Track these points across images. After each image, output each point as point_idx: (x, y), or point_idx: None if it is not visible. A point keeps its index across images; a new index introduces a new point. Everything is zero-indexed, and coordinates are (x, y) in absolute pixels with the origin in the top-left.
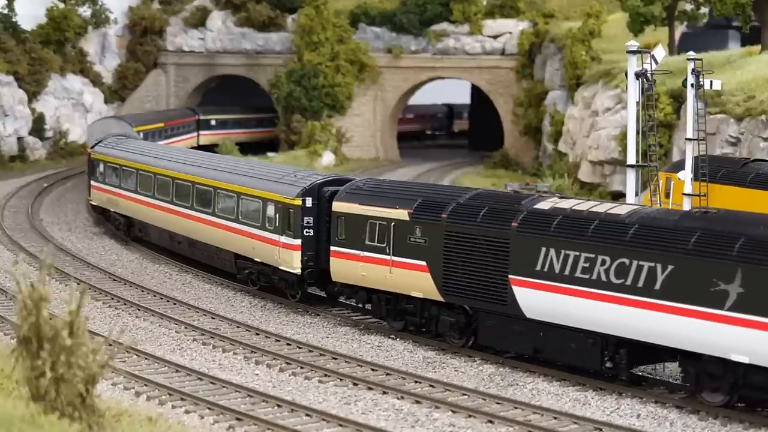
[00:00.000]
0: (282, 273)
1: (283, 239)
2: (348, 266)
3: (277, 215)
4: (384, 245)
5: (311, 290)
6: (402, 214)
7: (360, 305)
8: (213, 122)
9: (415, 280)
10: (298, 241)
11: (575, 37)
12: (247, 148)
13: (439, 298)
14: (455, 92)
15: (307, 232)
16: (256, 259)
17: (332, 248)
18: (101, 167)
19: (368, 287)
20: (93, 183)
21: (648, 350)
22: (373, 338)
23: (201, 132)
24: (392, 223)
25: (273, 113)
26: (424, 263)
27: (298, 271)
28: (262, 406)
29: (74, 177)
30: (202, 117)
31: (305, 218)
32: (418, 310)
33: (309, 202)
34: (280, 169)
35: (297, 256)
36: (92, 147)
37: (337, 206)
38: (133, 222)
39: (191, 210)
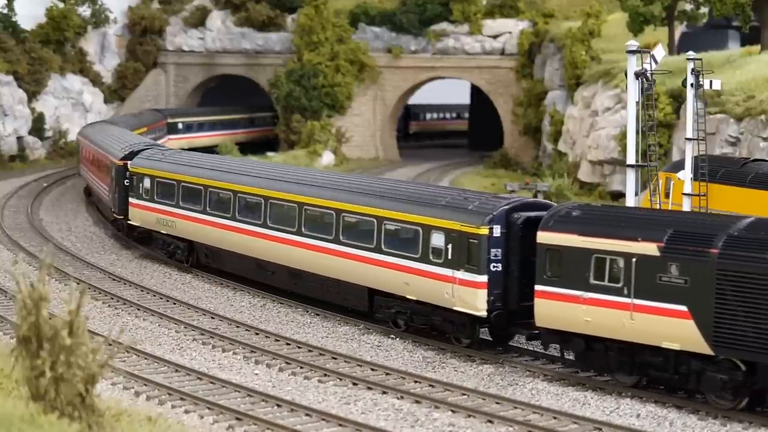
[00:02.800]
0: (451, 314)
1: (461, 275)
2: (563, 310)
3: (451, 246)
4: (620, 285)
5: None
6: (647, 247)
7: (568, 356)
8: (180, 125)
9: (669, 329)
10: (484, 278)
11: (575, 36)
12: (246, 148)
13: (706, 350)
14: (455, 92)
15: (494, 266)
16: (408, 297)
17: (539, 287)
18: (146, 183)
19: (592, 335)
20: (134, 201)
21: None
22: (372, 338)
23: (170, 136)
24: (633, 259)
25: (254, 113)
26: (684, 308)
27: (483, 312)
28: (261, 405)
29: (74, 177)
30: (170, 120)
31: (492, 250)
32: (669, 364)
33: (497, 231)
34: (439, 191)
35: (482, 295)
36: (125, 159)
37: (546, 237)
38: (197, 247)
39: (297, 236)
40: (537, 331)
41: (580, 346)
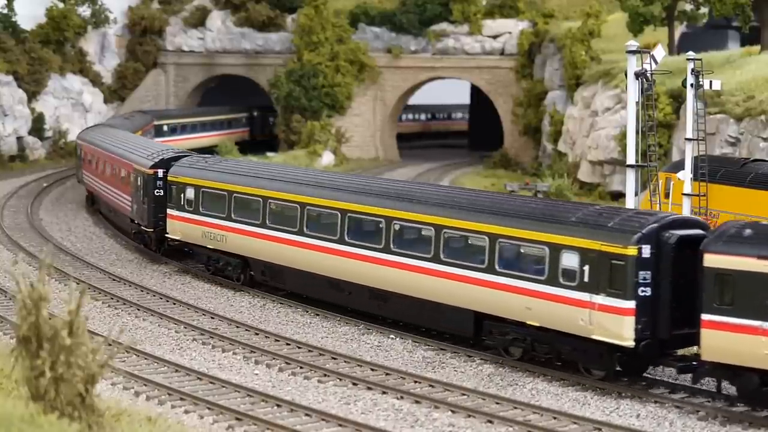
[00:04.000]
0: (584, 343)
1: (602, 300)
2: (737, 342)
3: (588, 268)
4: None
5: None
6: None
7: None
8: (165, 128)
9: None
10: (631, 304)
11: (575, 37)
12: (246, 148)
13: None
14: (454, 92)
15: (642, 291)
16: (528, 323)
17: (707, 317)
18: (189, 193)
19: None
20: (173, 213)
21: None
22: (372, 338)
23: (156, 139)
24: None
25: (229, 115)
26: None
27: (630, 342)
28: (261, 405)
29: (73, 177)
30: (156, 122)
31: (641, 273)
32: None
33: (647, 251)
34: (565, 206)
35: (629, 322)
36: (156, 167)
37: (715, 260)
38: (253, 263)
39: (384, 253)
40: (692, 364)
41: (753, 382)
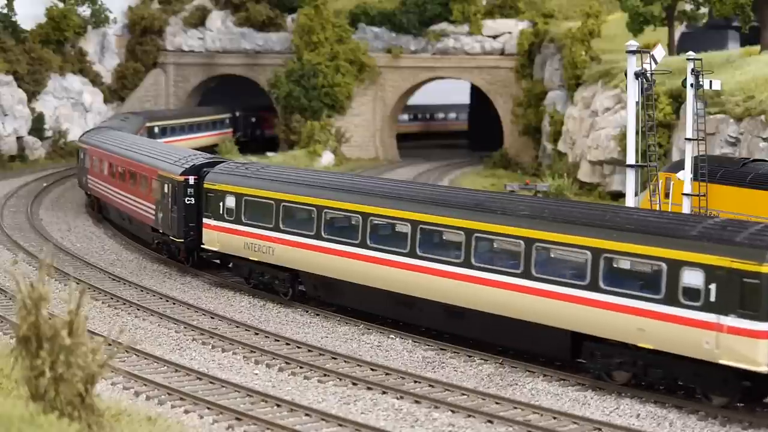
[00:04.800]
0: (707, 368)
1: (731, 321)
2: None
3: (714, 286)
4: None
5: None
6: None
7: None
8: (156, 129)
9: None
10: (766, 326)
11: (575, 37)
12: (246, 148)
13: None
14: (455, 92)
15: None
16: (640, 345)
17: None
18: (229, 202)
19: None
20: (210, 222)
21: None
22: (372, 338)
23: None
24: None
25: (224, 114)
26: None
27: (764, 368)
28: (261, 405)
29: (73, 177)
30: (148, 124)
31: None
32: None
33: None
34: (681, 218)
35: (763, 346)
36: (188, 173)
37: None
38: (305, 277)
39: (464, 268)
40: None
41: None
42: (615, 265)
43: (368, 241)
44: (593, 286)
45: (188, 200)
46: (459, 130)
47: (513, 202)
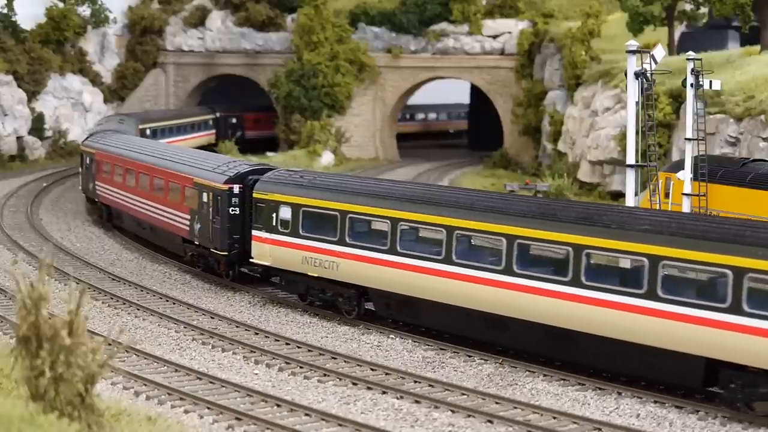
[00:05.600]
0: None
1: None
2: None
3: None
4: None
5: None
6: None
7: None
8: (148, 131)
9: None
10: None
11: (575, 36)
12: (246, 149)
13: None
14: (455, 92)
15: None
16: None
17: None
18: (284, 213)
19: None
20: (260, 235)
21: None
22: (372, 338)
23: None
24: None
25: (206, 115)
26: None
27: None
28: (261, 405)
29: (73, 176)
30: (140, 126)
31: None
32: None
33: None
34: None
35: None
36: (232, 182)
37: None
38: (374, 295)
39: (572, 287)
40: None
41: None
42: (763, 286)
43: (454, 257)
44: (736, 309)
45: (233, 210)
46: (441, 131)
47: (631, 215)
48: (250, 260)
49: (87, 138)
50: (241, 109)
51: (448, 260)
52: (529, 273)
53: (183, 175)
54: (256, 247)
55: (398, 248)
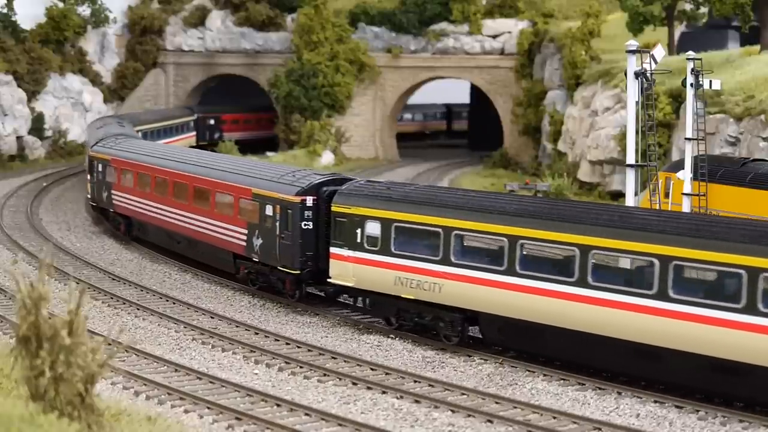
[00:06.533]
0: None
1: None
2: None
3: None
4: None
5: None
6: None
7: None
8: (140, 134)
9: None
10: None
11: (575, 36)
12: (246, 148)
13: None
14: (455, 92)
15: None
16: None
17: None
18: (371, 228)
19: None
20: (342, 252)
21: None
22: (372, 338)
23: None
24: None
25: (188, 117)
26: None
27: None
28: (261, 405)
29: (73, 176)
30: (135, 128)
31: None
32: None
33: None
34: None
35: None
36: (305, 194)
37: None
38: (485, 320)
39: (744, 315)
40: None
41: None
42: None
43: (590, 279)
44: None
45: (305, 225)
46: (416, 132)
47: None
48: (328, 280)
49: (97, 143)
50: (219, 111)
51: (582, 283)
52: (688, 299)
53: (237, 186)
54: (335, 266)
55: (518, 269)
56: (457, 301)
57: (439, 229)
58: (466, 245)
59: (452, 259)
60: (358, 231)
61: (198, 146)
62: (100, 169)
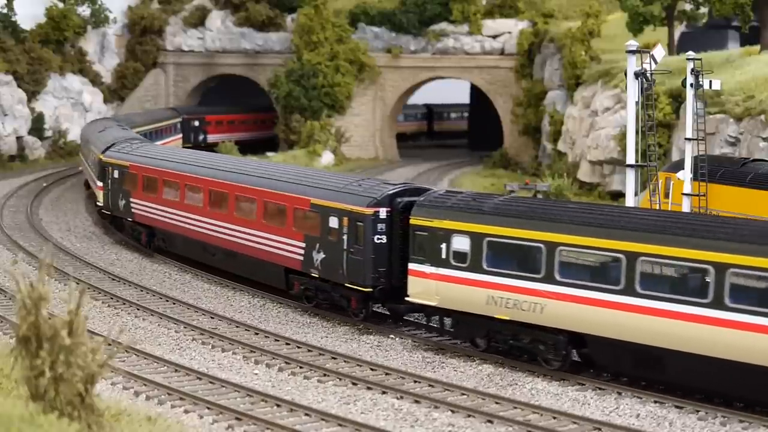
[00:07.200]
0: None
1: None
2: None
3: None
4: None
5: None
6: None
7: None
8: None
9: None
10: None
11: (574, 36)
12: (246, 148)
13: None
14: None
15: None
16: None
17: None
18: (457, 243)
19: None
20: (423, 269)
21: None
22: (372, 338)
23: None
24: None
25: (174, 119)
26: None
27: None
28: (261, 405)
29: (73, 176)
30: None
31: None
32: None
33: None
34: None
35: None
36: (377, 206)
37: None
38: (595, 344)
39: None
40: None
41: None
42: None
43: (728, 302)
44: None
45: (378, 239)
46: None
47: None
48: (406, 299)
49: (109, 148)
50: (203, 112)
51: (718, 304)
52: None
53: (291, 195)
54: (415, 284)
55: (637, 288)
56: (563, 322)
57: (541, 245)
58: (574, 262)
59: (557, 277)
60: (443, 246)
61: (185, 148)
62: (116, 176)
